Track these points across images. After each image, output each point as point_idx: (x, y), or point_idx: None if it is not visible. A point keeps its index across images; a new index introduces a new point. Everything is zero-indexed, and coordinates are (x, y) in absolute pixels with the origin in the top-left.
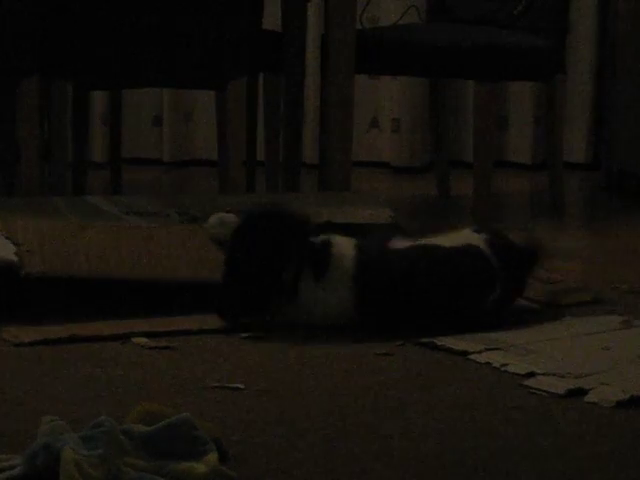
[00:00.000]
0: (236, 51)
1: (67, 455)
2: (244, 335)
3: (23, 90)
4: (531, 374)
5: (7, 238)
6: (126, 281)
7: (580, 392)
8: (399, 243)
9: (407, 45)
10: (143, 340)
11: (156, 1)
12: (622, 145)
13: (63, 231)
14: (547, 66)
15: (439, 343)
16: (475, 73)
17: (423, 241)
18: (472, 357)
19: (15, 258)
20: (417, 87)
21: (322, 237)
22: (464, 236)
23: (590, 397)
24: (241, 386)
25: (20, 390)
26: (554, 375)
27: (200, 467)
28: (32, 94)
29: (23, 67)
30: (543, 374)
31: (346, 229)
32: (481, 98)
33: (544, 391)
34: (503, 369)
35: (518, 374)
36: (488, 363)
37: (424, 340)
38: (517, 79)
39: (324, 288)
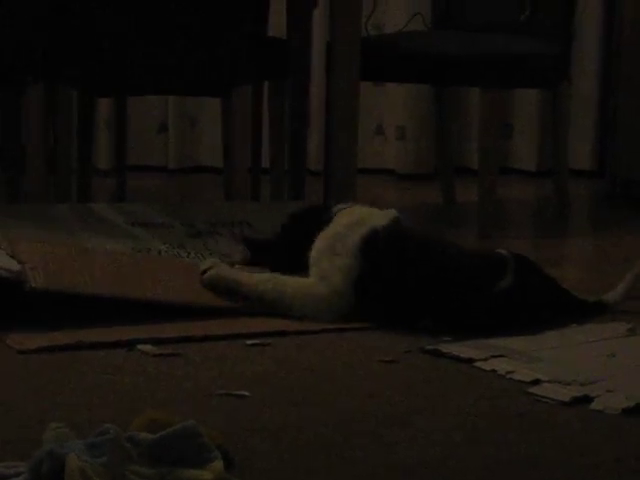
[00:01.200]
0: (241, 58)
1: (72, 462)
2: (249, 342)
3: (29, 97)
4: (536, 381)
5: (11, 257)
6: (129, 300)
7: (586, 400)
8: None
9: (412, 52)
10: (149, 347)
11: (161, 8)
12: (627, 153)
13: (66, 255)
14: (552, 73)
15: (444, 350)
16: (480, 80)
17: None
18: (477, 364)
19: (20, 271)
20: (422, 94)
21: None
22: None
23: (596, 405)
24: (246, 393)
25: (25, 397)
26: (559, 383)
27: (205, 475)
28: (37, 101)
29: (29, 74)
30: (548, 381)
31: None
32: (486, 105)
33: (549, 398)
34: (508, 376)
35: (523, 381)
36: (493, 370)
37: (429, 347)
38: (522, 86)
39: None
